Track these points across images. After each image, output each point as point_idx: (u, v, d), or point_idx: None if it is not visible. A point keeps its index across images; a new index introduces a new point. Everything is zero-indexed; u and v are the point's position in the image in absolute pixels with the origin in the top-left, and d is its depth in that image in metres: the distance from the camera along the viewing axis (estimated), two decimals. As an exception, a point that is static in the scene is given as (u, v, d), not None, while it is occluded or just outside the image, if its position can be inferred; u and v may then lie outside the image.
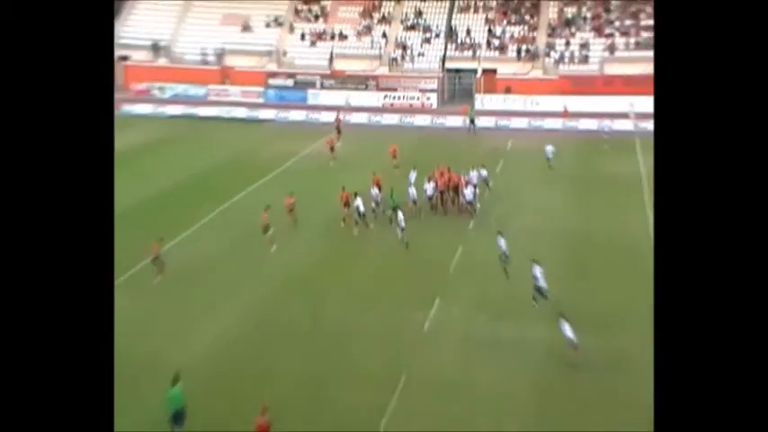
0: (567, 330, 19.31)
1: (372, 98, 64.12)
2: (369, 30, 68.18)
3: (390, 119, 60.18)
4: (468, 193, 33.51)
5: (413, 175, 35.40)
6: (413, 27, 67.51)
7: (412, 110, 61.73)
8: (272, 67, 68.57)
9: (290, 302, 25.46)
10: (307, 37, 69.24)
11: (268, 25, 70.23)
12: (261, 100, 65.57)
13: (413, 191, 33.78)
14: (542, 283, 23.02)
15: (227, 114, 62.00)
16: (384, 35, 67.59)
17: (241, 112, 62.45)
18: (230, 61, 68.75)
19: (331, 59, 67.47)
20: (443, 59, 64.72)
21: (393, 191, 32.86)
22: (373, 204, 32.46)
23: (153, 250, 26.50)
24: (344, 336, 22.58)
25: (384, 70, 65.91)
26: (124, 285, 26.40)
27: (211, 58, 69.17)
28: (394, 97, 63.98)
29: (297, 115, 61.41)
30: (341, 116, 55.29)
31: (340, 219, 31.07)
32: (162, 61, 70.05)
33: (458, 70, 63.11)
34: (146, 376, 20.16)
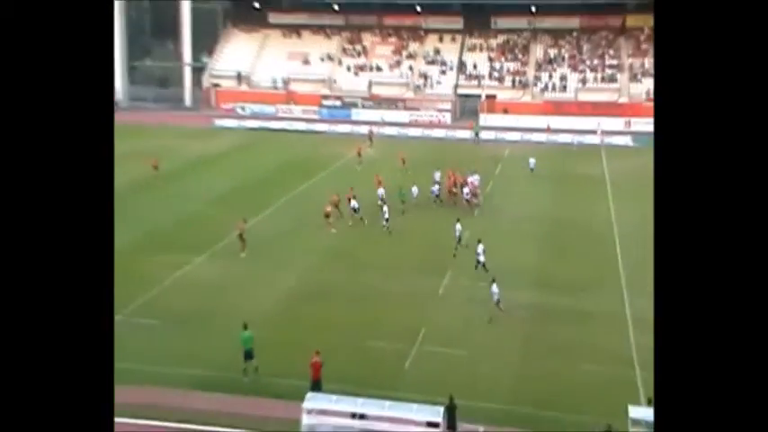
0: (495, 291, 19.95)
1: (401, 116, 64.05)
2: (399, 63, 68.88)
3: (414, 132, 60.21)
4: (465, 191, 32.69)
5: (437, 174, 34.87)
6: (432, 62, 68.16)
7: (431, 125, 61.83)
8: (326, 91, 68.71)
9: (337, 270, 25.17)
10: (351, 68, 69.48)
11: (322, 59, 70.56)
12: (316, 116, 65.67)
13: (436, 188, 33.31)
14: (482, 258, 23.29)
15: (291, 127, 61.89)
16: (410, 68, 68.05)
17: (301, 126, 62.26)
18: (294, 87, 69.08)
19: (370, 86, 67.64)
20: (456, 87, 65.30)
21: (402, 188, 32.34)
22: (379, 201, 30.76)
23: (238, 227, 26.02)
24: (378, 296, 22.36)
25: (410, 94, 66.24)
26: (216, 254, 26.22)
27: (280, 85, 69.50)
28: (418, 115, 63.94)
29: (343, 128, 61.17)
30: (373, 129, 55.05)
31: (324, 216, 28.84)
32: (243, 87, 70.45)
33: (467, 95, 63.75)
34: (229, 324, 19.96)
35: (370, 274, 24.58)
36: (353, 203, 29.90)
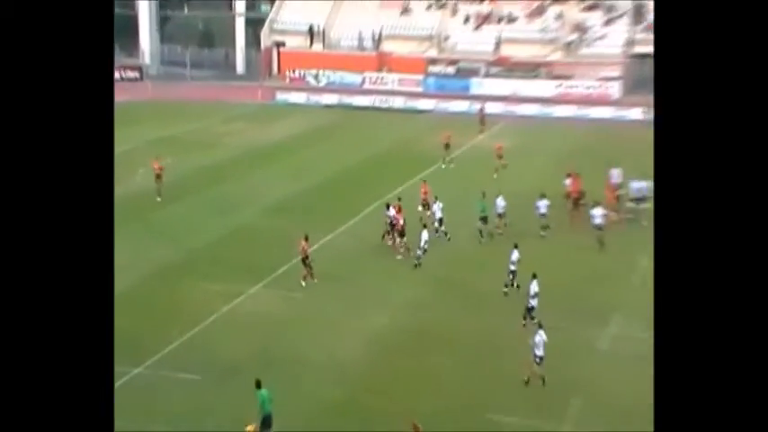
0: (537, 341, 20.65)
1: (544, 87, 63.56)
2: (541, 11, 67.53)
3: (564, 111, 59.37)
4: (598, 213, 31.04)
5: (568, 183, 35.05)
6: (593, 6, 66.22)
7: (590, 100, 60.69)
8: (433, 53, 69.17)
9: (446, 305, 25.91)
10: (471, 20, 69.46)
11: (429, 7, 70.76)
12: (420, 89, 66.40)
13: (543, 204, 32.64)
14: (533, 303, 24.12)
15: (383, 104, 63.33)
16: (559, 16, 66.63)
17: (398, 102, 63.54)
18: (388, 47, 69.89)
19: (497, 45, 67.32)
20: (629, 44, 63.19)
21: (484, 196, 31.91)
22: (436, 223, 31.05)
23: (301, 249, 27.09)
24: (498, 346, 22.72)
25: (558, 56, 65.29)
26: (278, 282, 27.67)
27: (368, 44, 70.38)
28: (569, 86, 63.14)
29: (458, 106, 61.65)
30: (484, 107, 55.05)
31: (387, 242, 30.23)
32: (317, 47, 71.78)
33: (646, 55, 60.26)
34: (293, 379, 21.08)
35: (486, 311, 25.19)
36: (437, 214, 31.07)
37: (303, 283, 26.88)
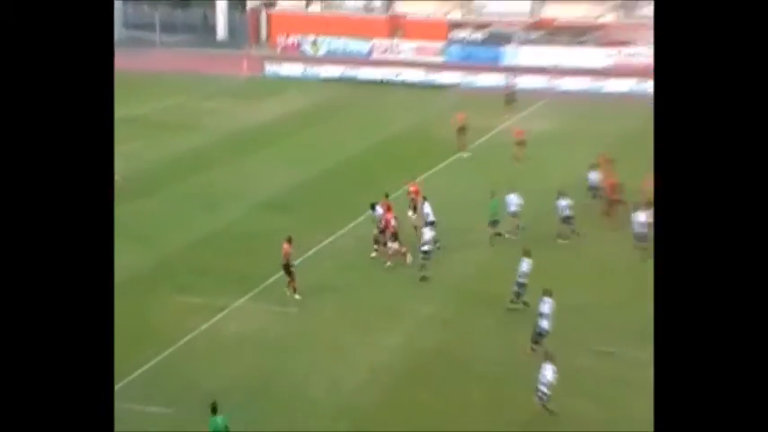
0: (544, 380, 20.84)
1: (593, 56, 63.74)
2: (590, -37, 67.98)
3: (618, 85, 59.25)
4: (638, 219, 30.28)
5: (592, 176, 35.31)
6: (653, -42, 65.82)
7: (650, 72, 60.54)
8: (456, 15, 69.08)
9: (459, 325, 26.17)
10: (504, -26, 69.52)
11: (453, -41, 71.00)
12: (441, 59, 66.63)
13: (565, 204, 32.39)
14: (545, 324, 24.17)
15: (396, 78, 63.45)
16: (611, -30, 67.01)
17: (415, 76, 63.59)
18: (402, 7, 69.85)
19: (536, 5, 67.26)
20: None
21: (493, 196, 32.32)
22: (426, 230, 30.26)
23: (284, 254, 27.32)
24: (529, 373, 22.25)
25: (612, 18, 65.36)
26: (267, 294, 27.99)
27: (377, 4, 70.58)
28: (627, 55, 63.16)
29: (488, 79, 61.69)
30: (512, 80, 55.24)
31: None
32: (315, 7, 72.04)
33: None
34: (288, 414, 21.38)
35: (521, 328, 25.10)
36: (429, 217, 30.84)
37: (297, 296, 27.30)
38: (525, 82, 56.62)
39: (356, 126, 50.91)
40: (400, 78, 62.76)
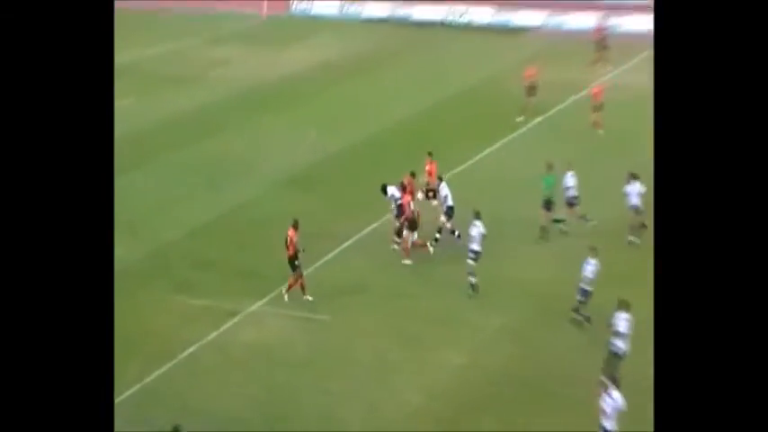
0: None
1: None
2: None
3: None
4: None
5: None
6: None
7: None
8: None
9: (534, 344, 26.05)
10: None
11: None
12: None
13: (636, 190, 31.76)
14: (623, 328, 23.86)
15: (460, 19, 62.95)
16: None
17: (484, 16, 63.15)
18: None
19: None
20: None
21: (551, 169, 32.00)
22: (443, 217, 31.22)
23: (288, 243, 27.24)
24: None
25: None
26: (285, 299, 27.64)
27: None
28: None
29: (579, 21, 60.73)
30: (607, 22, 54.25)
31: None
32: None
33: None
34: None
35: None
36: (447, 201, 31.33)
37: (308, 297, 27.37)
38: (628, 24, 55.45)
39: (406, 82, 50.35)
40: (465, 19, 62.09)
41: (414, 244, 30.13)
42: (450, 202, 30.99)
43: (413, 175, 31.70)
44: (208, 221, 33.38)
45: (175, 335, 25.85)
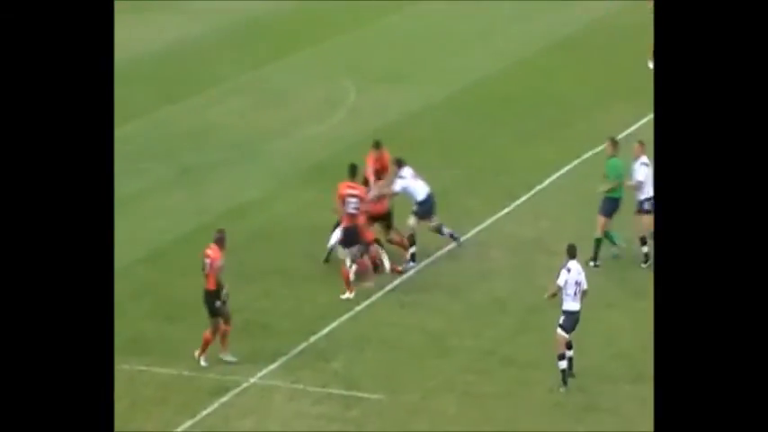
0: None
1: None
2: None
3: None
4: None
5: None
6: None
7: None
8: None
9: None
10: None
11: None
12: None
13: None
14: None
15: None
16: None
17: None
18: None
19: None
20: None
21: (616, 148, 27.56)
22: (412, 219, 26.87)
23: (208, 269, 22.52)
24: None
25: None
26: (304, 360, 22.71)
27: None
28: None
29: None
30: None
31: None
32: None
33: None
34: None
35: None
36: (417, 196, 27.46)
37: (231, 359, 22.41)
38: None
39: (505, 13, 44.39)
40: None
41: (363, 272, 25.68)
42: (419, 196, 26.72)
43: (377, 144, 28.06)
44: (179, 233, 27.18)
45: (122, 428, 19.40)
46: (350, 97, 37.63)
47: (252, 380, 22.00)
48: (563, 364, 22.46)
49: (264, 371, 22.28)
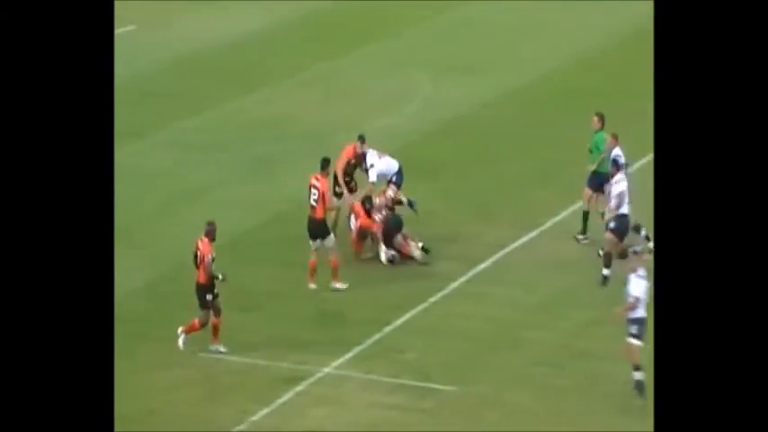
0: None
1: None
2: None
3: None
4: None
5: None
6: None
7: None
8: None
9: None
10: None
11: None
12: None
13: None
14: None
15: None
16: None
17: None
18: None
19: None
20: None
21: (603, 122, 27.63)
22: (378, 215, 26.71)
23: (200, 261, 22.25)
24: None
25: None
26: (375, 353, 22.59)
27: None
28: None
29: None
30: None
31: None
32: None
33: None
34: None
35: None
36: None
37: (221, 348, 22.31)
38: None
39: (585, 4, 44.00)
40: None
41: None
42: (394, 168, 26.92)
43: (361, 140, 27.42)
44: (253, 224, 27.12)
45: (199, 415, 20.46)
46: (423, 88, 37.37)
47: (326, 369, 21.96)
48: (638, 375, 21.69)
49: (338, 361, 22.24)
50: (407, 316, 24.13)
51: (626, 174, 26.74)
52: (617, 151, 26.98)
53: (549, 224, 28.22)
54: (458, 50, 41.90)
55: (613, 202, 25.57)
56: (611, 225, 25.52)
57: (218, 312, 22.34)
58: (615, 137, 27.44)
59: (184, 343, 22.63)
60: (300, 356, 22.50)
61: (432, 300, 24.21)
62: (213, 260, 22.18)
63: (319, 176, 25.42)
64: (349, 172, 27.88)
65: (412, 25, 44.21)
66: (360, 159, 27.67)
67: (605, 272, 25.49)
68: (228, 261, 25.69)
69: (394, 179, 27.02)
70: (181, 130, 32.50)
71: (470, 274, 25.54)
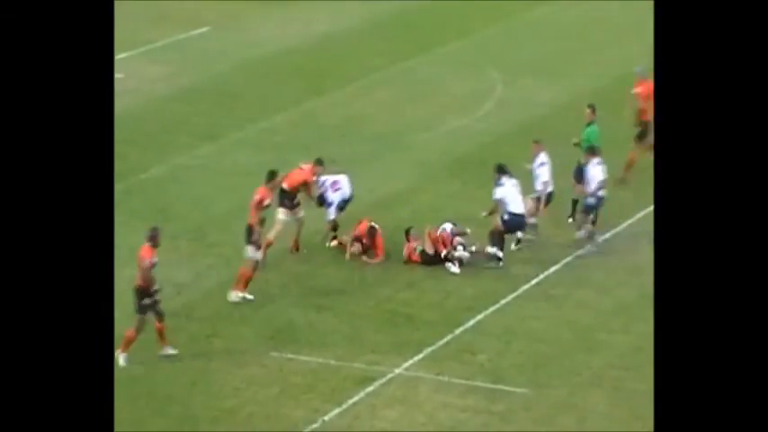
0: None
1: None
2: None
3: None
4: None
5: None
6: None
7: None
8: None
9: None
10: None
11: None
12: None
13: None
14: None
15: None
16: None
17: None
18: None
19: None
20: None
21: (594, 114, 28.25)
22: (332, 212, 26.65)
23: (139, 265, 21.89)
24: None
25: None
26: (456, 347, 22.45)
27: None
28: None
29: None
30: None
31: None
32: None
33: None
34: None
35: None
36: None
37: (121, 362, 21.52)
38: None
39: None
40: None
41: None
42: (348, 193, 26.54)
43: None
44: (322, 225, 26.60)
45: (271, 414, 20.23)
46: (497, 89, 36.83)
47: (397, 370, 21.73)
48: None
49: (410, 362, 22.06)
50: (479, 317, 23.97)
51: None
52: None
53: (623, 226, 27.99)
54: (533, 51, 41.51)
55: (594, 185, 26.04)
56: (589, 201, 25.92)
57: (160, 317, 21.94)
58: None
59: (126, 361, 21.85)
60: (372, 357, 22.32)
61: (503, 301, 24.10)
62: (153, 265, 21.63)
63: (261, 189, 24.76)
64: (300, 190, 27.10)
65: (487, 26, 43.84)
66: (311, 186, 26.83)
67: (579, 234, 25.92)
68: (301, 261, 26.20)
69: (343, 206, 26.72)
70: (256, 132, 32.41)
71: (542, 275, 25.47)
